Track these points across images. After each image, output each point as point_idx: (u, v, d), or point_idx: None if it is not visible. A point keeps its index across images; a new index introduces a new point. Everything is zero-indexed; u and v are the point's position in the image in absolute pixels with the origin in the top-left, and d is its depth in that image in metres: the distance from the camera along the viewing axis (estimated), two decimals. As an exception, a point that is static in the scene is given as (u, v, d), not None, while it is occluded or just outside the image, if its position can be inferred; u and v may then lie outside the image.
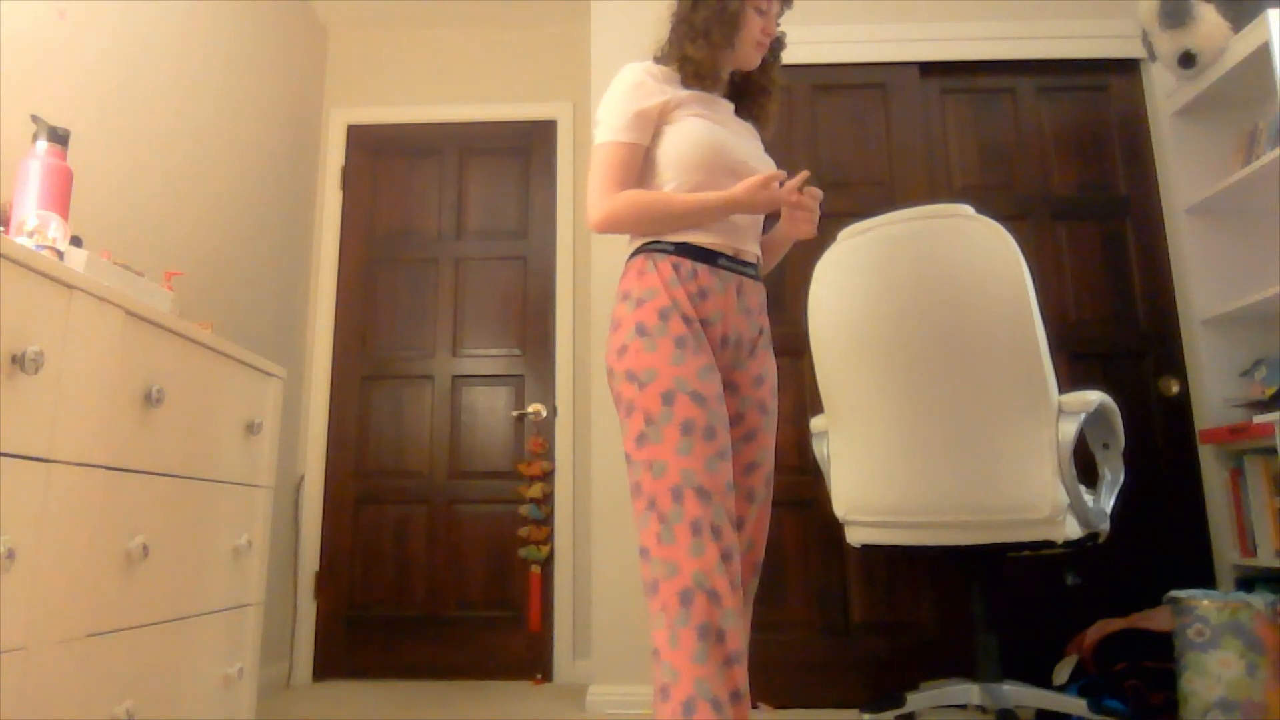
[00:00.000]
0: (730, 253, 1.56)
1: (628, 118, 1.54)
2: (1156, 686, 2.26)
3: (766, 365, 1.62)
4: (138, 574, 1.46)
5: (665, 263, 1.51)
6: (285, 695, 2.97)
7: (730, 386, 1.58)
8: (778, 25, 1.67)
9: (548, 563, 3.26)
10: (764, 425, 1.59)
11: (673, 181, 1.55)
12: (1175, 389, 2.80)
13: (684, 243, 1.53)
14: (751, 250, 1.60)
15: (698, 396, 1.42)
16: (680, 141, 1.55)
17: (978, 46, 3.04)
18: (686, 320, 1.47)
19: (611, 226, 1.53)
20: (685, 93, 1.59)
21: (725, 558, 1.34)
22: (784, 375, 2.85)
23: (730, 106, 1.68)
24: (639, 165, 1.56)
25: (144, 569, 1.48)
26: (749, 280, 1.58)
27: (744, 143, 1.62)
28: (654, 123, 1.56)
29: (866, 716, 2.17)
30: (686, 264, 1.51)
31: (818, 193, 1.55)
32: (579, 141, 3.57)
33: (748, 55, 1.64)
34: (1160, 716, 2.23)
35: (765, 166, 1.64)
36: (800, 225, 1.57)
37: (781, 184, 1.53)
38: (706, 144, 1.54)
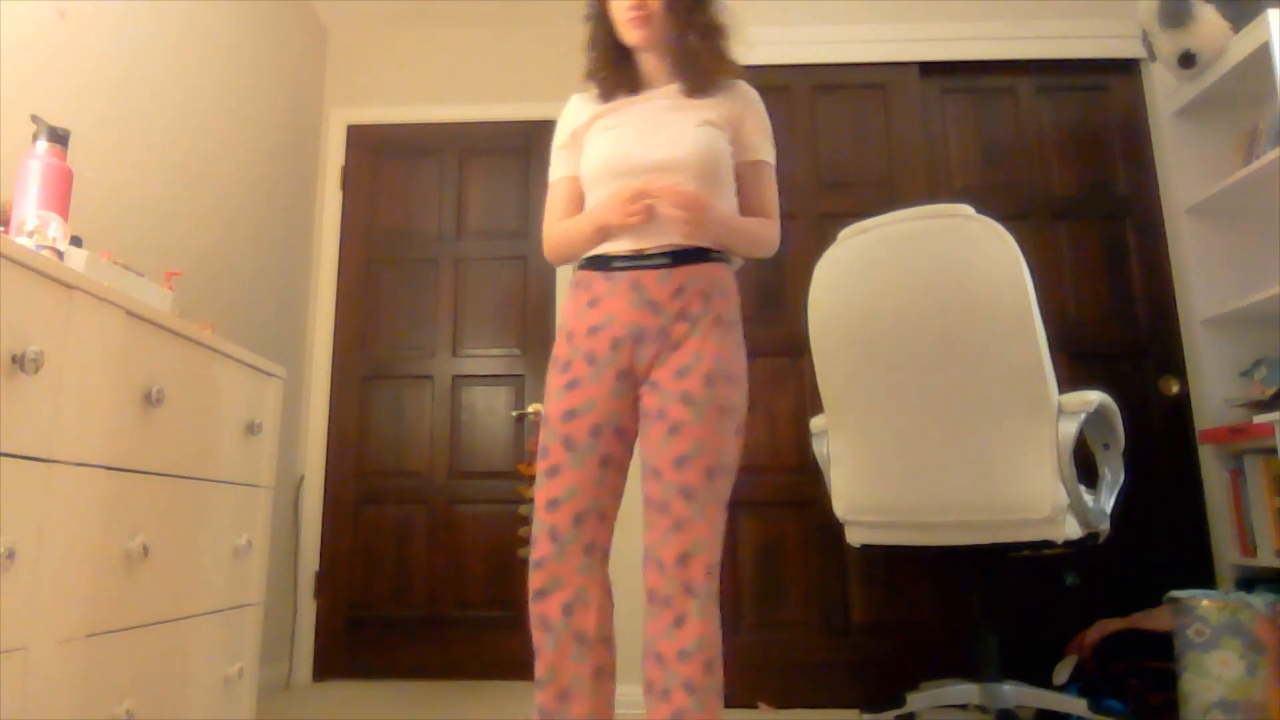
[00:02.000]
0: (630, 253, 1.54)
1: (557, 154, 1.70)
2: (1156, 686, 2.26)
3: (696, 354, 1.49)
4: (138, 574, 1.46)
5: (573, 280, 1.63)
6: (285, 695, 2.97)
7: (650, 384, 1.52)
8: None
9: (548, 563, 3.26)
10: (691, 417, 1.46)
11: (591, 199, 1.62)
12: (1175, 389, 2.80)
13: (590, 255, 1.60)
14: (663, 243, 1.52)
15: (544, 418, 1.55)
16: (586, 162, 1.63)
17: (978, 46, 3.04)
18: (569, 336, 1.57)
19: (555, 259, 1.67)
20: (597, 108, 1.65)
21: (535, 567, 1.49)
22: (784, 375, 2.85)
23: (659, 94, 1.62)
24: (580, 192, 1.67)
25: (144, 569, 1.48)
26: (650, 272, 1.52)
27: (653, 137, 1.55)
28: (578, 149, 1.66)
29: (866, 716, 2.17)
30: (584, 275, 1.59)
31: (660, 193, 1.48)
32: (579, 141, 3.57)
33: (628, 35, 1.59)
34: (1160, 716, 2.23)
35: (681, 153, 1.53)
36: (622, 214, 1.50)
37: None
38: (601, 158, 1.59)
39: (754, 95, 1.66)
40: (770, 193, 1.63)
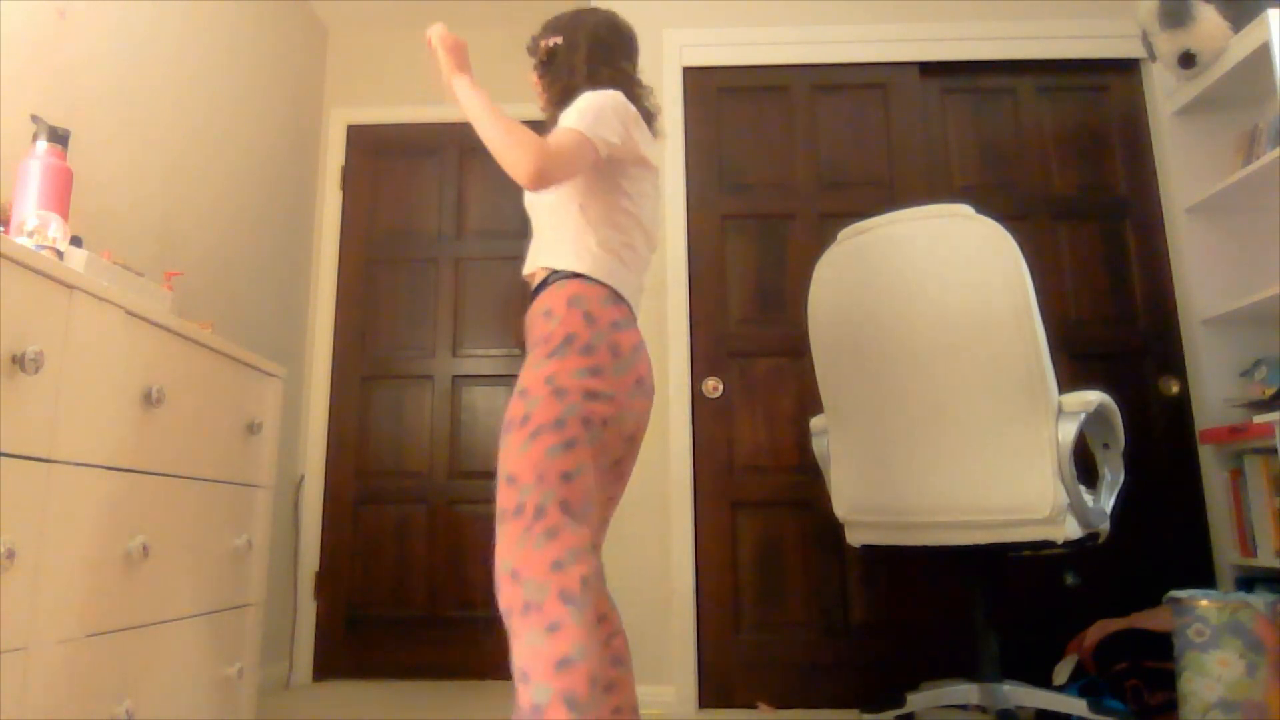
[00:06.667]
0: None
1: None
2: (1156, 686, 2.26)
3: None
4: (138, 574, 1.46)
5: None
6: (285, 695, 2.97)
7: None
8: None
9: (548, 563, 3.26)
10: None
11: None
12: (1175, 389, 2.80)
13: None
14: (533, 272, 1.62)
15: None
16: None
17: (978, 46, 3.04)
18: None
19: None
20: None
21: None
22: (784, 375, 2.85)
23: None
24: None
25: (144, 569, 1.48)
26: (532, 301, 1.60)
27: None
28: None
29: (866, 716, 2.17)
30: None
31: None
32: (579, 141, 3.57)
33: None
34: (1160, 716, 2.23)
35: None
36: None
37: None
38: None
39: (577, 99, 1.60)
40: (558, 127, 1.53)
